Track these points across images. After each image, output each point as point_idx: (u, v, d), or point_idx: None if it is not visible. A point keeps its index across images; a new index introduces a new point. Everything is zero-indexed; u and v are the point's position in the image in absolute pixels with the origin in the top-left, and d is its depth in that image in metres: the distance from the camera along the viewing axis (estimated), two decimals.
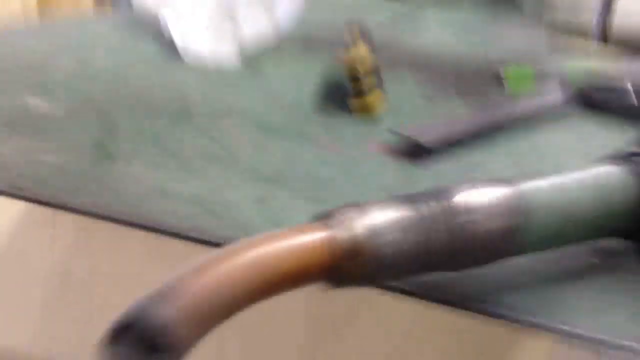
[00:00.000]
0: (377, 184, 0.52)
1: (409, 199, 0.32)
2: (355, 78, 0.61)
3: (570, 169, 0.38)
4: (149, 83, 0.67)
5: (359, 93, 0.62)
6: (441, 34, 0.80)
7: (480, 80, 0.75)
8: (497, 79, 0.75)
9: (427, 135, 0.55)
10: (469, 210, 0.32)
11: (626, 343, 0.32)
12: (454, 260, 0.32)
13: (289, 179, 0.53)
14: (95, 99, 0.66)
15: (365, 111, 0.62)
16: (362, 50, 0.61)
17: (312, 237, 0.27)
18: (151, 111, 0.62)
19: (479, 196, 0.33)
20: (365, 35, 0.62)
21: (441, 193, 0.32)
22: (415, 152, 0.55)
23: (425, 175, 0.53)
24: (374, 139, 0.57)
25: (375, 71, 0.62)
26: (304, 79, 0.66)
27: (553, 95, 0.71)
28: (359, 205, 0.31)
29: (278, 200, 0.50)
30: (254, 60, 0.70)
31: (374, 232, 0.30)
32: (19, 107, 0.63)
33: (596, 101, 0.69)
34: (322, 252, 0.27)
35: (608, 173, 0.39)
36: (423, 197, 0.32)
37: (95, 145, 0.56)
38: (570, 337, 0.33)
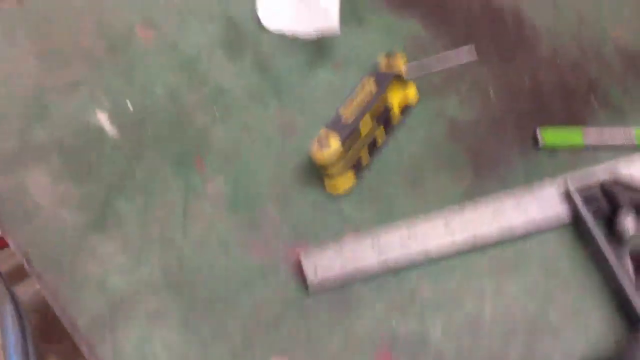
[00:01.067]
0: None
1: None
2: (323, 167, 0.68)
3: None
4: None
5: (327, 176, 0.69)
6: None
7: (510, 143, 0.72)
8: (534, 139, 0.71)
9: (320, 269, 0.64)
10: None
11: None
12: None
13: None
14: None
15: (333, 190, 0.70)
16: (332, 150, 0.66)
17: None
18: None
19: None
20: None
21: None
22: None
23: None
24: (296, 243, 0.68)
25: (348, 157, 0.68)
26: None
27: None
28: None
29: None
30: None
31: None
32: (124, 35, 0.86)
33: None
34: None
35: None
36: None
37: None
38: None
